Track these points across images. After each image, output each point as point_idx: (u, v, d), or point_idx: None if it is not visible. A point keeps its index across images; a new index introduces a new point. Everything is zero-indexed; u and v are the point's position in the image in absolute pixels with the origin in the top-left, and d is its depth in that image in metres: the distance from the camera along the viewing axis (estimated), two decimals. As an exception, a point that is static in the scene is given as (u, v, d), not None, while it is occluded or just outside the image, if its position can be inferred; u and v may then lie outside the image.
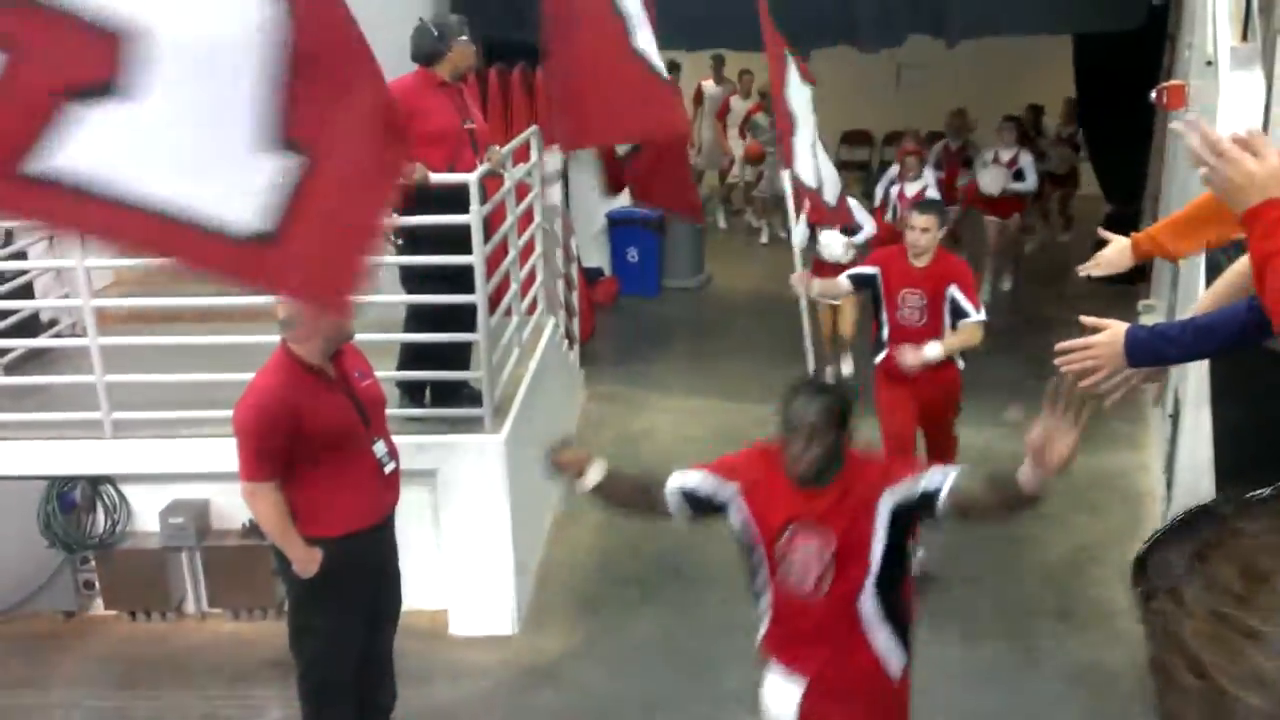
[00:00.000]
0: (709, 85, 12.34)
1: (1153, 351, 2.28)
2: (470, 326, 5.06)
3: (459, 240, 4.91)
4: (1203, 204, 2.62)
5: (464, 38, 5.11)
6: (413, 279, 5.19)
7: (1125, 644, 4.65)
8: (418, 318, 5.23)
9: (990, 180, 9.13)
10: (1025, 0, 7.54)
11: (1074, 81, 8.99)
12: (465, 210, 4.89)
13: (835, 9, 7.64)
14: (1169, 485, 5.17)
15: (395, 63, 5.49)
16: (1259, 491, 0.71)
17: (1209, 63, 5.03)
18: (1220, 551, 0.66)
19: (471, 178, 4.87)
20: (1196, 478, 4.48)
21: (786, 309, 7.06)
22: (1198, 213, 2.67)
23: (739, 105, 12.02)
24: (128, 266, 6.65)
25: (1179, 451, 4.81)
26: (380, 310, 5.31)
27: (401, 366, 5.20)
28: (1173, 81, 6.14)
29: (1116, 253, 2.87)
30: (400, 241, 5.21)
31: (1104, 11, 7.49)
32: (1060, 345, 2.39)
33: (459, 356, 5.24)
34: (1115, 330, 2.32)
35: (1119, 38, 7.73)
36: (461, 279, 4.99)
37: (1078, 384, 2.36)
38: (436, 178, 4.89)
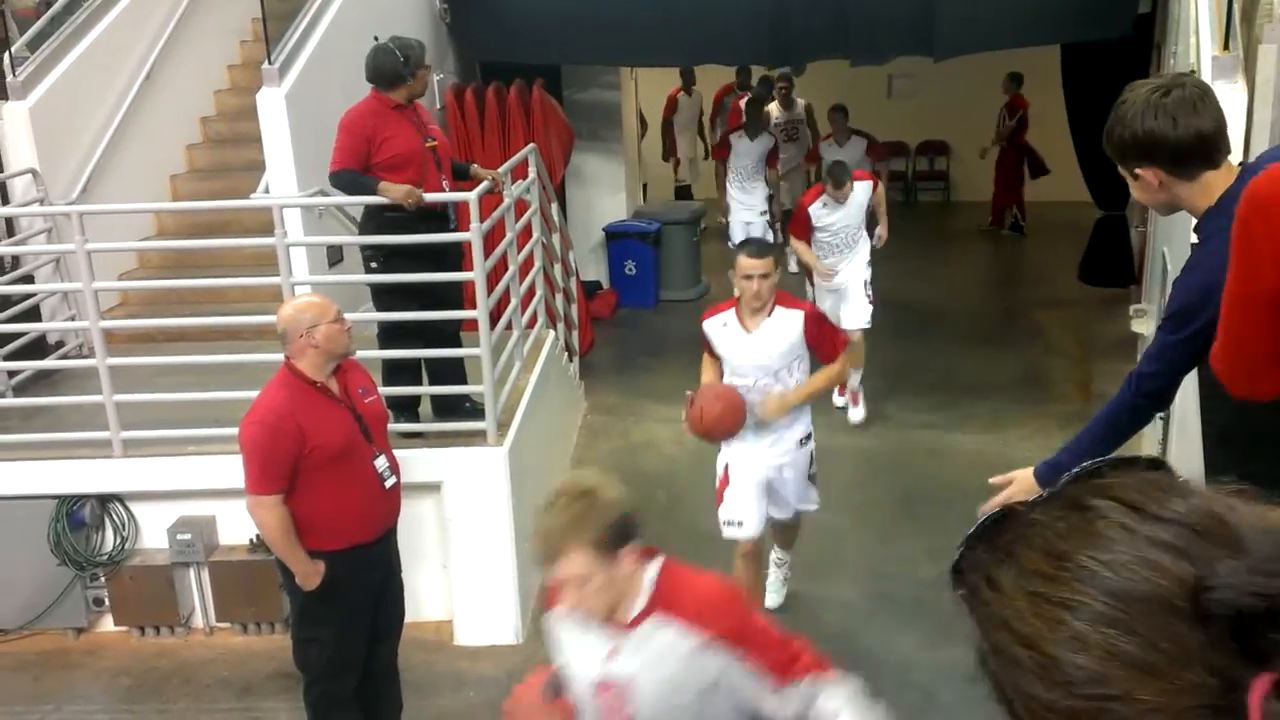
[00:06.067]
0: (682, 96, 12.34)
1: (1059, 470, 2.42)
2: (449, 341, 5.10)
3: (434, 256, 4.99)
4: None
5: (427, 65, 5.05)
6: (383, 295, 5.21)
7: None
8: (388, 334, 5.25)
9: None
10: (1010, 15, 7.59)
11: (1062, 88, 9.05)
12: (443, 228, 4.97)
13: (828, 23, 7.73)
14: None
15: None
16: (1051, 488, 0.84)
17: (1191, 72, 5.11)
18: (1024, 543, 0.78)
19: (471, 196, 4.97)
20: (1188, 476, 4.54)
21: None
22: None
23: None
24: (134, 288, 6.76)
25: (1170, 451, 4.88)
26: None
27: (385, 382, 5.22)
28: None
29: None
30: (374, 264, 5.16)
31: (1090, 21, 7.55)
32: (982, 510, 2.51)
33: (456, 371, 5.32)
34: (1024, 477, 2.51)
35: (1106, 47, 7.80)
36: (437, 294, 5.04)
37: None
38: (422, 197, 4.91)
